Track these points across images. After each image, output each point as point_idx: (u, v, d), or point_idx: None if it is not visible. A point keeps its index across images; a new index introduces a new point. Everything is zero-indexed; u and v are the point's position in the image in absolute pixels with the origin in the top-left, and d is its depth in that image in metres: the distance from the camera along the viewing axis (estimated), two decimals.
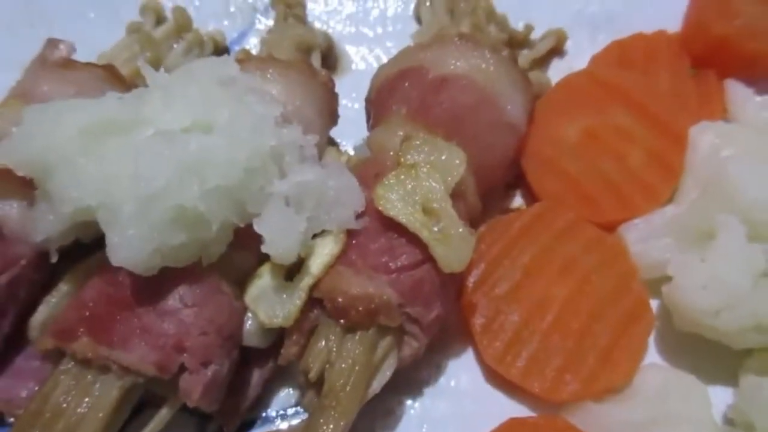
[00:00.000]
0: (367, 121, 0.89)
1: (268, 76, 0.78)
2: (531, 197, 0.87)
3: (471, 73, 0.78)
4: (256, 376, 0.74)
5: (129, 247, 0.62)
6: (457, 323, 0.78)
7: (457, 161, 0.72)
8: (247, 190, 0.66)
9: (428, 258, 0.68)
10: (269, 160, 0.68)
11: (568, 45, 0.99)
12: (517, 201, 0.89)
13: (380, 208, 0.68)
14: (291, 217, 0.67)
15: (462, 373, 0.77)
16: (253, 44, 1.02)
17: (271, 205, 0.67)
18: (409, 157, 0.71)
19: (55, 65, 0.79)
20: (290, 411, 0.75)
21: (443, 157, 0.72)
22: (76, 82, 0.78)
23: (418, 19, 1.01)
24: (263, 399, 0.75)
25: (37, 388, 0.71)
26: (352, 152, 0.92)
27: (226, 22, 1.03)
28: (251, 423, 0.75)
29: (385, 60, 0.98)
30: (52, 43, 0.82)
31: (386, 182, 0.69)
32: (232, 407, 0.72)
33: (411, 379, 0.76)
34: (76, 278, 0.74)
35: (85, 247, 0.74)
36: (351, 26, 1.02)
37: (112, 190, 0.63)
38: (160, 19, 1.00)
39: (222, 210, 0.65)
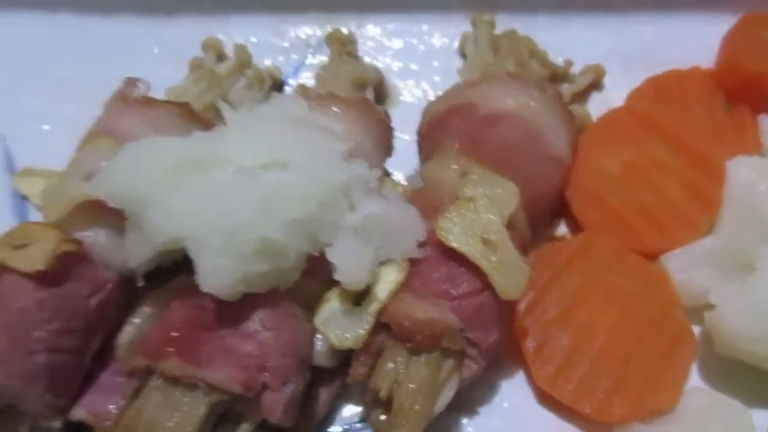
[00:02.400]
0: (419, 153, 0.95)
1: (331, 112, 0.84)
2: (575, 226, 0.92)
3: (520, 110, 0.84)
4: (324, 394, 0.79)
5: (218, 276, 0.68)
6: (509, 346, 0.83)
7: (511, 195, 0.78)
8: (320, 223, 0.72)
9: (487, 286, 0.74)
10: (340, 194, 0.74)
11: (605, 79, 1.05)
12: (562, 229, 0.94)
13: (442, 239, 0.74)
14: (361, 247, 0.73)
15: (514, 393, 0.82)
16: (304, 77, 1.08)
17: (343, 236, 0.73)
18: (466, 191, 0.77)
19: (136, 103, 0.85)
20: (356, 426, 0.80)
21: (498, 191, 0.78)
22: (155, 120, 0.84)
23: (463, 55, 1.07)
24: (329, 416, 0.81)
25: (123, 403, 0.78)
26: (404, 182, 0.97)
27: (281, 58, 1.09)
28: None
29: (431, 92, 1.06)
30: (130, 82, 0.89)
31: (447, 215, 0.75)
32: (303, 423, 0.78)
33: (466, 399, 0.80)
34: (158, 301, 0.80)
35: (162, 271, 0.81)
36: (399, 61, 1.08)
37: (200, 222, 0.69)
38: (220, 56, 1.06)
39: (299, 241, 0.71)
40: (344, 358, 0.78)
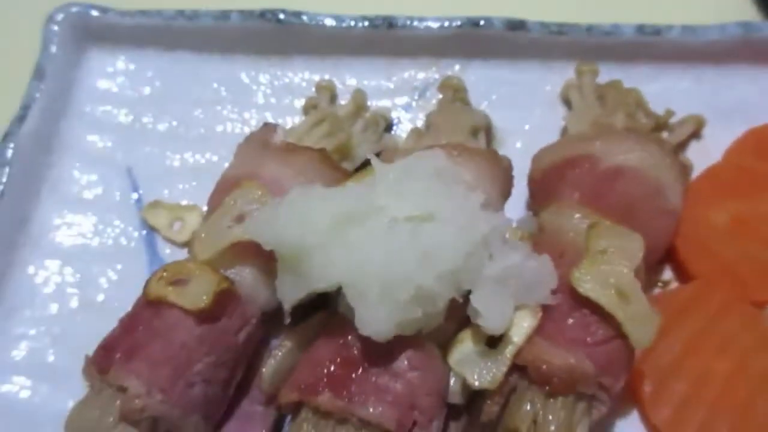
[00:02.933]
0: (532, 199, 1.00)
1: (461, 161, 0.89)
2: (682, 273, 0.96)
3: (641, 166, 0.89)
4: (452, 428, 0.84)
5: (377, 321, 0.73)
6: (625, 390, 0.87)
7: (638, 247, 0.82)
8: (466, 272, 0.77)
9: (619, 334, 0.78)
10: (482, 245, 0.78)
11: (704, 130, 1.09)
12: (666, 274, 0.98)
13: (580, 290, 0.78)
14: (502, 295, 0.78)
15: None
16: (408, 120, 1.13)
17: (485, 284, 0.77)
18: (599, 242, 0.81)
19: (278, 149, 0.91)
20: None
21: (626, 243, 0.82)
22: (297, 165, 0.90)
23: (566, 102, 1.12)
24: None
25: (264, 430, 0.84)
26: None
27: (388, 100, 1.15)
28: None
29: (534, 138, 1.10)
30: (270, 128, 0.95)
31: (583, 266, 0.79)
32: None
33: None
34: (300, 335, 0.85)
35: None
36: (502, 107, 1.12)
37: (360, 271, 0.74)
38: (333, 96, 1.12)
39: (448, 289, 0.76)
40: (472, 396, 0.83)
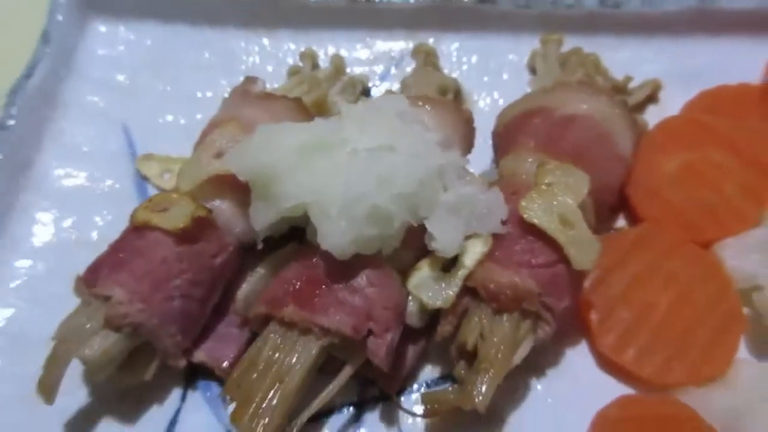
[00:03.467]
0: (495, 151, 1.07)
1: (424, 110, 0.97)
2: (634, 220, 1.03)
3: (592, 113, 0.96)
4: (411, 352, 0.90)
5: (336, 236, 0.80)
6: (574, 321, 0.93)
7: (583, 183, 0.89)
8: (420, 198, 0.84)
9: (562, 258, 0.85)
10: (436, 176, 0.86)
11: (661, 94, 1.16)
12: (620, 222, 1.05)
13: (525, 216, 0.85)
14: (454, 221, 0.84)
15: (579, 360, 0.92)
16: (384, 88, 1.22)
17: (439, 211, 0.85)
18: (546, 179, 0.88)
19: (256, 97, 0.99)
20: (436, 383, 0.91)
21: (571, 180, 0.89)
22: (273, 110, 0.98)
23: (532, 70, 1.20)
24: (413, 373, 0.92)
25: (237, 350, 0.91)
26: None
27: (366, 68, 1.23)
28: (405, 390, 0.91)
29: (502, 101, 1.18)
30: (251, 80, 1.03)
31: (530, 197, 0.86)
32: (392, 376, 0.88)
33: (536, 362, 0.90)
34: (272, 263, 0.93)
35: (271, 241, 0.93)
36: (473, 74, 1.21)
37: (322, 192, 0.81)
38: (315, 65, 1.21)
39: (402, 212, 0.83)
40: (429, 320, 0.89)
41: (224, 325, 0.93)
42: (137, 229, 0.89)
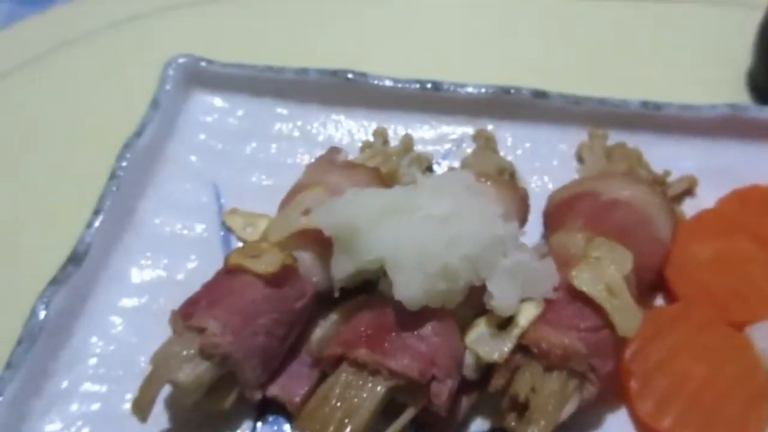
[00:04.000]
0: (545, 228, 1.19)
1: (486, 186, 1.10)
2: (671, 298, 1.12)
3: (634, 200, 1.08)
4: (465, 401, 0.99)
5: (411, 288, 0.91)
6: (616, 387, 1.01)
7: (627, 259, 1.00)
8: (483, 261, 0.95)
9: (608, 324, 0.95)
10: (498, 243, 0.98)
11: (697, 189, 1.28)
12: (659, 301, 1.14)
13: (575, 284, 0.96)
14: (511, 284, 0.96)
15: (617, 424, 0.99)
16: (445, 165, 1.36)
17: (499, 274, 0.96)
18: (594, 252, 1.00)
19: (341, 165, 1.14)
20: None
21: (617, 255, 1.00)
22: (354, 178, 1.12)
23: (580, 159, 1.33)
24: (466, 422, 1.00)
25: (307, 388, 1.00)
26: None
27: (430, 147, 1.38)
28: None
29: (551, 185, 1.31)
30: (335, 150, 1.19)
31: (579, 267, 0.97)
32: (447, 423, 0.97)
33: (578, 422, 0.98)
34: (344, 311, 1.04)
35: (346, 292, 1.05)
36: (526, 159, 1.35)
37: (400, 249, 0.94)
38: (385, 141, 1.37)
39: (468, 271, 0.94)
40: (483, 374, 0.99)
41: (297, 364, 1.03)
42: (230, 271, 1.01)
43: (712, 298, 1.07)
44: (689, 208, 1.25)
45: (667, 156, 1.31)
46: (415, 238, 0.94)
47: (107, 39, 1.63)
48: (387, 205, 0.98)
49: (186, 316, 0.98)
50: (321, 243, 1.02)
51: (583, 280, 0.96)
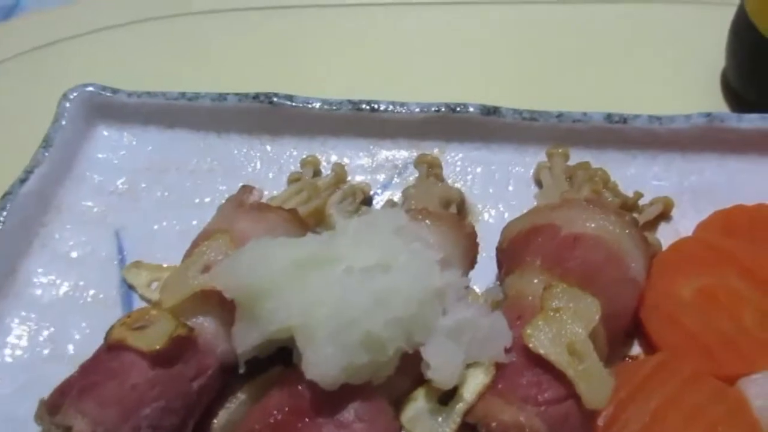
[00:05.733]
0: (499, 268, 1.01)
1: (425, 225, 0.93)
2: (649, 346, 0.95)
3: (600, 233, 0.91)
4: None
5: (323, 364, 0.73)
6: None
7: (594, 309, 0.83)
8: (417, 323, 0.78)
9: (572, 394, 0.77)
10: (435, 298, 0.80)
11: (673, 212, 1.11)
12: (635, 350, 0.97)
13: (530, 346, 0.78)
14: (453, 348, 0.78)
15: None
16: (387, 197, 1.18)
17: (436, 336, 0.78)
18: (553, 303, 0.82)
19: (250, 208, 0.96)
20: None
21: (581, 305, 0.83)
22: (266, 222, 0.94)
23: (538, 182, 1.16)
24: None
25: None
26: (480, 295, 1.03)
27: (369, 177, 1.21)
28: None
29: (507, 214, 1.14)
30: (246, 190, 1.01)
31: (535, 324, 0.80)
32: None
33: None
34: (253, 389, 0.85)
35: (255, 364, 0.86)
36: (477, 185, 1.18)
37: (313, 314, 0.76)
38: (316, 172, 1.19)
39: (398, 338, 0.76)
40: None
41: None
42: (111, 348, 0.82)
43: (698, 346, 0.90)
44: (666, 234, 1.08)
45: (638, 176, 1.14)
46: (332, 300, 0.76)
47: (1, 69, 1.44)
48: (300, 258, 0.80)
49: (52, 410, 0.79)
50: (227, 306, 0.84)
51: (540, 340, 0.78)
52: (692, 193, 1.12)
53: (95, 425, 0.75)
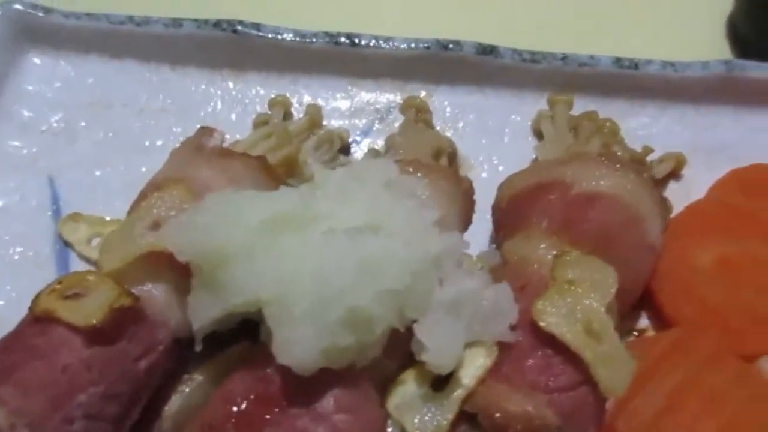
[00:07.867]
0: (496, 230, 0.90)
1: (417, 179, 0.79)
2: (659, 320, 0.85)
3: (618, 193, 0.80)
4: None
5: (299, 346, 0.61)
6: None
7: (611, 281, 0.72)
8: (411, 296, 0.65)
9: (587, 380, 0.66)
10: (432, 266, 0.68)
11: (684, 170, 1.01)
12: (643, 322, 0.88)
13: (541, 324, 0.67)
14: (452, 326, 0.66)
15: None
16: (367, 144, 1.05)
17: (433, 312, 0.66)
18: (566, 272, 0.71)
19: (212, 153, 0.81)
20: None
21: (597, 276, 0.72)
22: (231, 171, 0.80)
23: (538, 134, 1.04)
24: None
25: None
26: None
27: (347, 122, 1.06)
28: None
29: (502, 168, 1.02)
30: (206, 131, 0.85)
31: (547, 298, 0.68)
32: None
33: None
34: (213, 370, 0.72)
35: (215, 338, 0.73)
36: (469, 135, 1.05)
37: (289, 285, 0.62)
38: (287, 114, 1.04)
39: (388, 314, 0.64)
40: None
41: None
42: (38, 320, 0.68)
43: (718, 321, 0.81)
44: (676, 195, 0.98)
45: (647, 128, 1.03)
46: (309, 269, 0.63)
47: None
48: (272, 216, 0.66)
49: None
50: (181, 270, 0.70)
51: (553, 317, 0.67)
52: (705, 149, 1.01)
53: (15, 417, 0.61)
